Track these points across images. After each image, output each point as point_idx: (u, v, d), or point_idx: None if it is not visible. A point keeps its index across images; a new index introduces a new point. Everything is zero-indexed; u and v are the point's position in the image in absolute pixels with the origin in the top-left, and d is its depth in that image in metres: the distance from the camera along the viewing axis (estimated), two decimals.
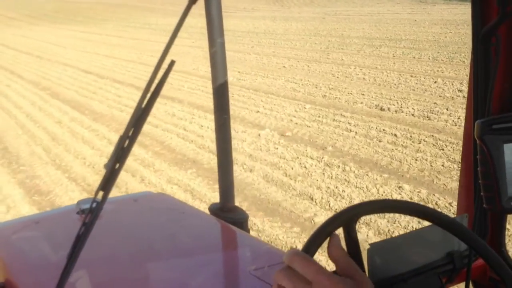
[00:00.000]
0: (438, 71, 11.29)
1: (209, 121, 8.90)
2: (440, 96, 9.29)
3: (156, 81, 1.23)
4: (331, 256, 0.87)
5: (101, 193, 1.23)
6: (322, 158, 6.72)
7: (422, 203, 1.42)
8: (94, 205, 1.24)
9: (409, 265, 1.27)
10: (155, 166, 7.08)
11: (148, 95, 1.23)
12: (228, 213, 2.64)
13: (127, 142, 1.23)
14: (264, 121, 8.66)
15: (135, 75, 13.98)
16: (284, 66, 13.47)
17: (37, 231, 2.21)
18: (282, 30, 21.33)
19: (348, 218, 0.97)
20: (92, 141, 8.42)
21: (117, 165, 1.22)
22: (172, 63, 1.23)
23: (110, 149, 7.95)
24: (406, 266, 1.27)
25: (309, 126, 8.15)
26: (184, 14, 1.34)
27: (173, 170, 6.84)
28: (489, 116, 1.39)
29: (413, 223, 4.69)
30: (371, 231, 4.71)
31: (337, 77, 11.60)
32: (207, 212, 2.70)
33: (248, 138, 7.80)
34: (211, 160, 7.07)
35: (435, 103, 8.81)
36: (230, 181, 2.70)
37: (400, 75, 11.19)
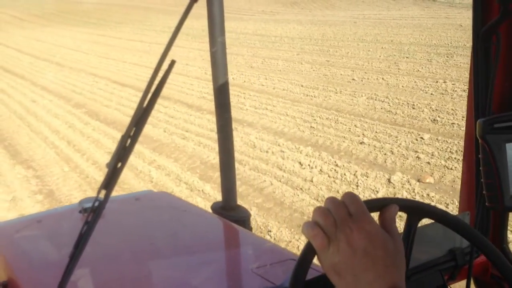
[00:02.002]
0: None
1: (308, 157, 6.79)
2: None
3: (157, 81, 1.19)
4: (382, 215, 0.89)
5: (103, 192, 1.18)
6: None
7: None
8: (96, 204, 1.20)
9: (411, 262, 1.22)
10: (272, 231, 4.97)
11: (149, 95, 1.19)
12: (230, 211, 2.61)
13: (129, 141, 1.19)
14: (382, 159, 6.56)
15: (180, 89, 11.83)
16: (353, 79, 11.36)
17: (39, 230, 2.13)
18: (318, 35, 19.21)
19: (419, 210, 1.01)
20: (166, 184, 6.31)
21: (119, 164, 1.18)
22: (172, 63, 1.20)
23: (193, 199, 5.86)
24: (409, 263, 1.21)
25: (451, 168, 6.06)
26: (185, 13, 1.25)
27: (303, 241, 4.74)
28: (490, 115, 1.35)
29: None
30: None
31: (431, 94, 9.51)
32: (210, 210, 2.70)
33: (378, 187, 5.70)
34: None
35: None
36: (233, 180, 2.70)
37: None
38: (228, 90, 2.60)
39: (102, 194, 1.20)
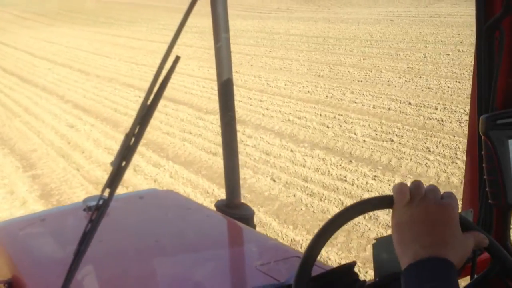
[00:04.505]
0: None
1: None
2: None
3: (161, 78, 1.13)
4: (469, 233, 0.88)
5: (107, 191, 1.13)
6: None
7: None
8: (100, 202, 1.14)
9: None
10: None
11: (154, 93, 1.13)
12: (234, 209, 2.49)
13: (133, 140, 1.13)
14: None
15: (253, 107, 9.05)
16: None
17: (43, 228, 2.06)
18: (364, 35, 16.46)
19: (502, 261, 0.98)
20: None
21: (123, 163, 1.12)
22: (177, 59, 1.13)
23: None
24: None
25: None
26: (188, 10, 1.19)
27: None
28: (493, 111, 1.29)
29: None
30: None
31: None
32: (214, 208, 2.54)
33: None
34: None
35: None
36: (236, 178, 2.58)
37: None
38: (232, 88, 2.36)
39: (106, 193, 1.13)
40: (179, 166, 6.58)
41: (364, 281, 1.17)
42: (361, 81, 10.30)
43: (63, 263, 1.19)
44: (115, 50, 17.07)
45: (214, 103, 9.49)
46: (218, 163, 6.54)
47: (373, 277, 1.15)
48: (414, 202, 0.84)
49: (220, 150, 6.99)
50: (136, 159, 6.93)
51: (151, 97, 1.14)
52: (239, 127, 7.99)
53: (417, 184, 0.87)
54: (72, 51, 17.41)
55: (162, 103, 7.64)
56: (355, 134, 7.19)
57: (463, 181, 1.58)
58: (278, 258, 1.61)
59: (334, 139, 7.07)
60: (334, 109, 8.51)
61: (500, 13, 1.23)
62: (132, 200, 2.39)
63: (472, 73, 1.41)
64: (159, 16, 27.77)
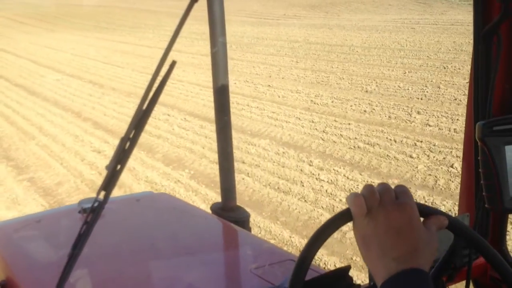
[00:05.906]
0: None
1: None
2: None
3: (158, 82, 1.09)
4: (428, 219, 0.86)
5: (103, 193, 1.10)
6: None
7: None
8: (95, 204, 1.12)
9: None
10: None
11: (149, 97, 1.08)
12: (229, 212, 2.46)
13: (128, 143, 1.09)
14: None
15: (306, 130, 7.71)
16: None
17: (38, 230, 2.01)
18: (391, 44, 15.24)
19: (466, 239, 0.95)
20: None
21: (119, 166, 1.10)
22: (173, 63, 1.11)
23: None
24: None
25: None
26: (186, 13, 1.15)
27: None
28: (490, 118, 1.26)
29: None
30: None
31: None
32: (209, 211, 2.50)
33: None
34: None
35: None
36: (232, 181, 2.54)
37: None
38: (228, 92, 2.33)
39: (101, 195, 1.11)
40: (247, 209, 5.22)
41: (359, 285, 1.14)
42: (421, 99, 9.03)
43: (57, 264, 1.15)
44: (125, 59, 15.64)
45: (257, 124, 8.16)
46: (297, 206, 5.22)
47: (368, 281, 1.10)
48: (373, 211, 0.80)
49: (292, 187, 5.65)
50: (190, 196, 5.59)
51: (147, 101, 1.08)
52: (302, 156, 6.70)
53: (370, 190, 0.83)
54: (78, 59, 15.96)
55: (198, 123, 6.21)
56: (453, 168, 5.89)
57: (460, 186, 1.53)
58: (273, 261, 1.59)
59: (430, 175, 5.77)
60: (408, 133, 7.22)
61: (498, 18, 1.19)
62: (128, 202, 2.36)
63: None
64: (162, 21, 26.35)
